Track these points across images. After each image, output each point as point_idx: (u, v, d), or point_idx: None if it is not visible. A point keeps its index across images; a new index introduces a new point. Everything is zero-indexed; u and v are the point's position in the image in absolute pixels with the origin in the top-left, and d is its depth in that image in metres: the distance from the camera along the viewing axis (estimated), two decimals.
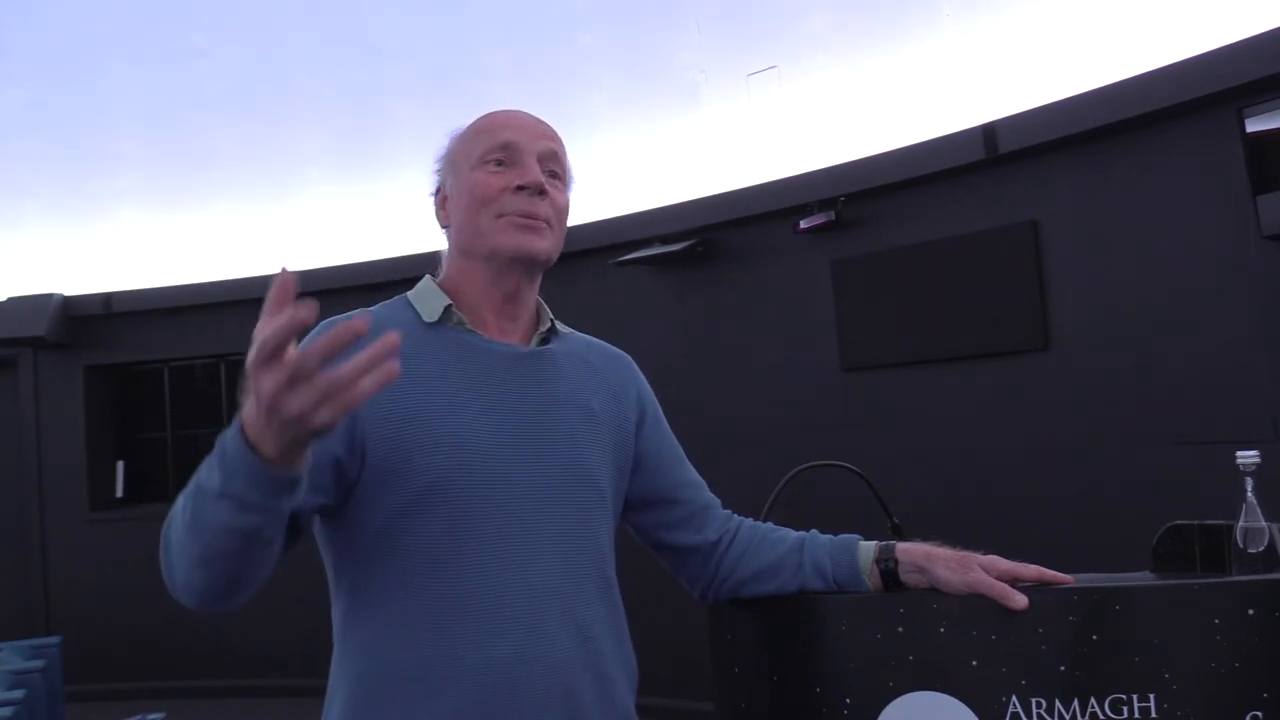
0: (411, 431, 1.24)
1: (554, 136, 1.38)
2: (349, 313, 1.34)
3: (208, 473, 1.03)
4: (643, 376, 1.50)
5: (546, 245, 1.33)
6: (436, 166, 1.42)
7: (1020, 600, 1.27)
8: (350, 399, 0.93)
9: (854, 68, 5.43)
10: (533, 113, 1.39)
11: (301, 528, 1.23)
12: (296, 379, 0.92)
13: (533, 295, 1.39)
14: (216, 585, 1.10)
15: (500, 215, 1.31)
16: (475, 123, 1.39)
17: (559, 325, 1.41)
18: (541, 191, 1.32)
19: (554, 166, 1.36)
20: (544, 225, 1.32)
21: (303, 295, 0.96)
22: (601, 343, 1.49)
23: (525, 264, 1.33)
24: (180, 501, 1.09)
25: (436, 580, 1.23)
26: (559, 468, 1.31)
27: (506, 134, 1.34)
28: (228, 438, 1.00)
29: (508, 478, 1.26)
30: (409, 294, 1.38)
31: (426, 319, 1.32)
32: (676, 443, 1.51)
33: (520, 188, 1.31)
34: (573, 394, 1.36)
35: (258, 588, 1.13)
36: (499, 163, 1.33)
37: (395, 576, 1.24)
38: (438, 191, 1.41)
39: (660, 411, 1.51)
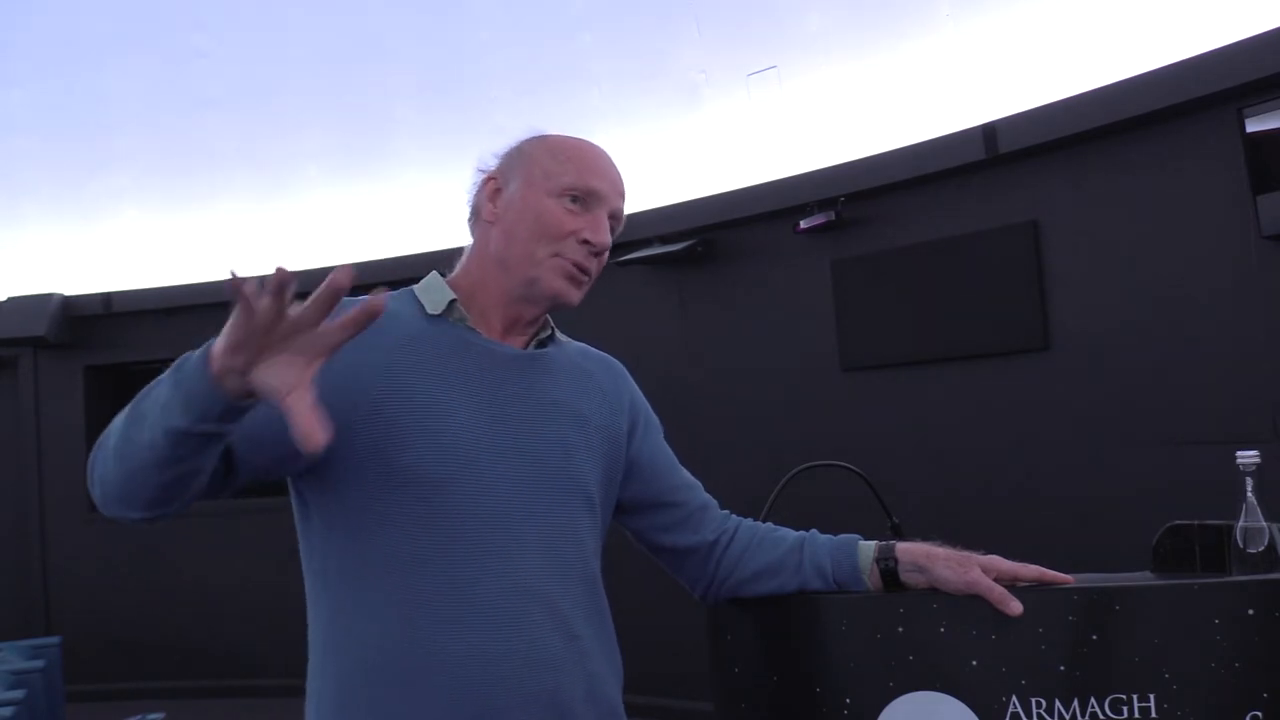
0: (402, 423, 1.24)
1: (625, 195, 1.40)
2: (362, 296, 1.34)
3: (168, 371, 1.09)
4: (634, 383, 1.51)
5: (580, 296, 1.37)
6: (502, 152, 1.40)
7: (1015, 606, 1.28)
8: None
9: (854, 68, 5.43)
10: (610, 155, 1.41)
11: (236, 469, 1.22)
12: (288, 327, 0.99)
13: (543, 316, 1.40)
14: (122, 487, 1.13)
15: (556, 255, 1.32)
16: (565, 145, 1.38)
17: (557, 332, 1.42)
18: (602, 252, 1.35)
19: (614, 224, 1.38)
20: (586, 280, 1.37)
21: (303, 295, 0.98)
22: (595, 350, 1.49)
23: (555, 306, 1.36)
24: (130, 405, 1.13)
25: (422, 575, 1.23)
26: (548, 470, 1.31)
27: (596, 182, 1.35)
28: (195, 352, 1.05)
29: (496, 477, 1.27)
30: (415, 287, 1.38)
31: (430, 310, 1.33)
32: (668, 448, 1.51)
33: (586, 241, 1.33)
34: (566, 398, 1.37)
35: (162, 511, 1.16)
36: (574, 200, 1.33)
37: (383, 569, 1.23)
38: (491, 178, 1.39)
39: (654, 417, 1.51)
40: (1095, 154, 4.30)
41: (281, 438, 1.17)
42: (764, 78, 5.74)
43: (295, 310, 0.99)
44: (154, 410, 1.07)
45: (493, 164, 1.40)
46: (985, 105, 4.69)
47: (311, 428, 0.99)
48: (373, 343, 1.26)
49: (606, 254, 1.38)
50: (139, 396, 1.12)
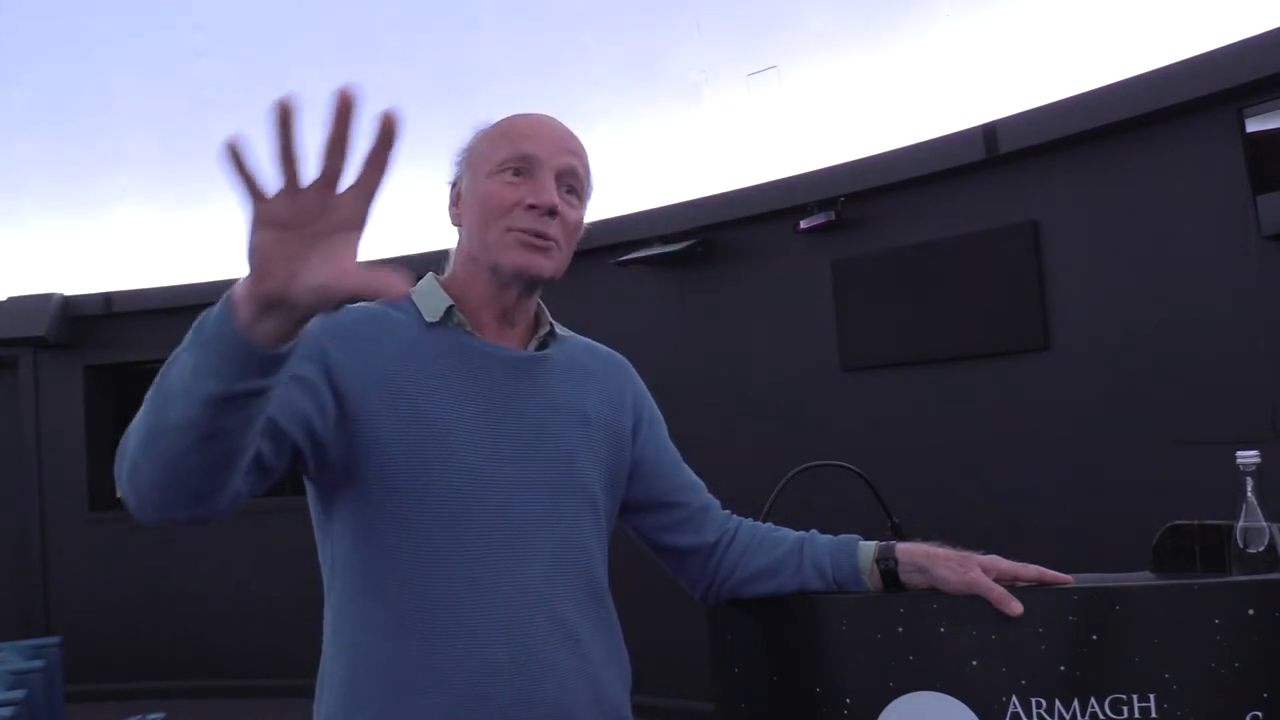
0: (405, 430, 1.24)
1: (576, 150, 1.35)
2: (352, 305, 1.34)
3: (185, 339, 0.97)
4: (640, 381, 1.50)
5: (552, 265, 1.31)
6: (456, 158, 1.39)
7: (1016, 607, 1.27)
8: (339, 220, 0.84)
9: (854, 67, 5.43)
10: (558, 120, 1.37)
11: (270, 465, 1.14)
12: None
13: (533, 304, 1.38)
14: (153, 479, 0.98)
15: (509, 230, 1.29)
16: (500, 124, 1.36)
17: (558, 329, 1.41)
18: (553, 212, 1.30)
19: (572, 182, 1.33)
20: (552, 245, 1.31)
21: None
22: (600, 346, 1.48)
23: (527, 281, 1.32)
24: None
25: (426, 581, 1.22)
26: (551, 473, 1.30)
27: (527, 145, 1.31)
28: (214, 307, 0.94)
29: (499, 481, 1.26)
30: (411, 291, 1.37)
31: (428, 318, 1.32)
32: (673, 446, 1.51)
33: (532, 206, 1.29)
34: (569, 400, 1.36)
35: (211, 506, 1.02)
36: (516, 172, 1.30)
37: (385, 575, 1.24)
38: (454, 185, 1.39)
39: (658, 415, 1.50)
40: (1095, 154, 4.30)
41: (310, 410, 1.17)
42: (764, 77, 5.74)
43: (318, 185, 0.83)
44: (181, 383, 0.93)
45: (453, 171, 1.40)
46: (985, 105, 4.69)
47: (385, 280, 0.84)
48: (373, 354, 1.26)
49: (576, 217, 1.34)
50: (158, 379, 0.98)
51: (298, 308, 0.88)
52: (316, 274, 0.85)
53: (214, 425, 0.94)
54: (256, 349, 0.90)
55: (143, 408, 1.00)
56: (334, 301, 0.87)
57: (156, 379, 0.99)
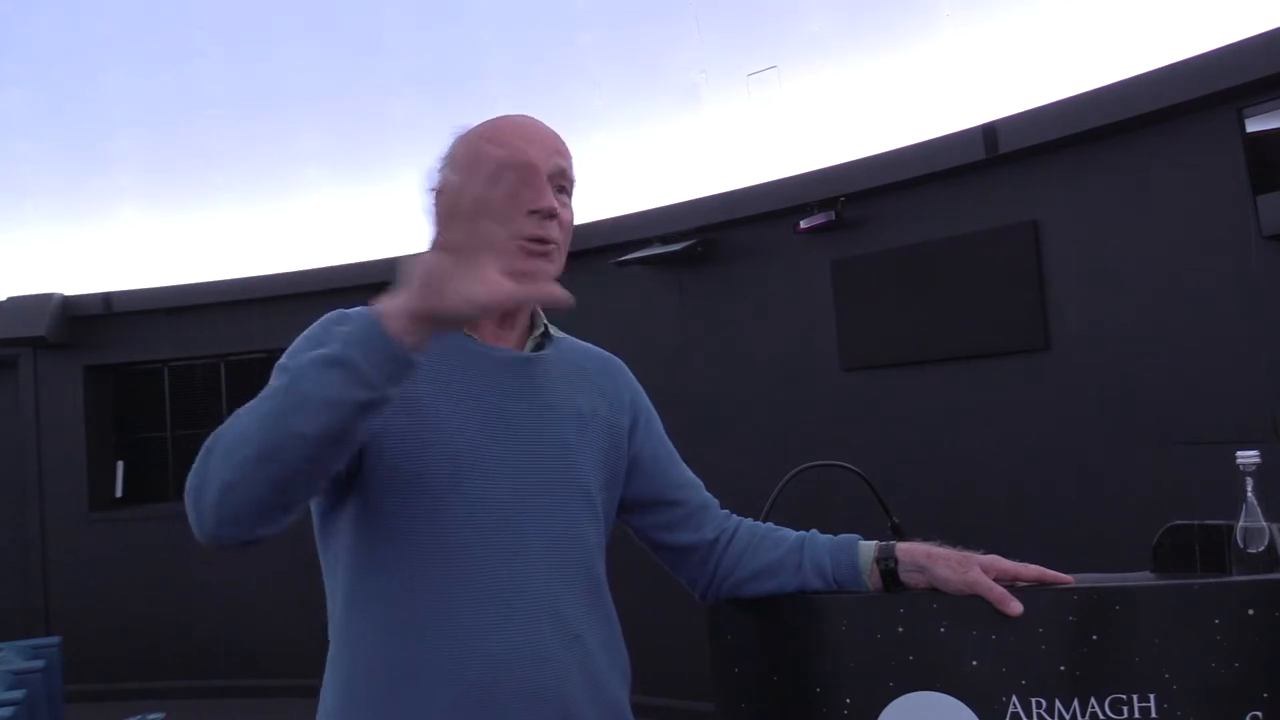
0: (403, 433, 1.24)
1: (563, 151, 1.36)
2: (349, 309, 1.34)
3: (321, 349, 1.07)
4: (635, 381, 1.50)
5: (554, 269, 1.32)
6: (439, 165, 1.39)
7: (1015, 606, 1.27)
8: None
9: (854, 68, 5.43)
10: (541, 121, 1.37)
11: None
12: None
13: (529, 305, 1.39)
14: (257, 493, 1.06)
15: (510, 237, 1.28)
16: (486, 128, 1.36)
17: (553, 330, 1.41)
18: (552, 215, 1.30)
19: (562, 183, 1.34)
20: (553, 249, 1.31)
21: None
22: (594, 347, 1.49)
23: None
24: (248, 406, 1.09)
25: (425, 579, 1.23)
26: (548, 471, 1.31)
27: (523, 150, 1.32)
28: (351, 316, 1.07)
29: (497, 481, 1.27)
30: None
31: None
32: (670, 444, 1.51)
33: (533, 211, 1.28)
34: (564, 399, 1.36)
35: (286, 521, 1.11)
36: None
37: (385, 574, 1.24)
38: (439, 191, 1.38)
39: (654, 414, 1.50)
40: (1095, 154, 4.30)
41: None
42: (764, 78, 5.74)
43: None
44: (320, 396, 1.04)
45: (437, 178, 1.39)
46: (985, 105, 4.69)
47: (541, 291, 1.08)
48: None
49: (569, 217, 1.35)
50: (278, 394, 1.07)
51: (451, 321, 1.06)
52: (473, 289, 1.03)
53: (347, 430, 1.06)
54: (406, 357, 1.05)
55: (249, 425, 1.07)
56: (490, 310, 1.07)
57: (270, 395, 1.08)
